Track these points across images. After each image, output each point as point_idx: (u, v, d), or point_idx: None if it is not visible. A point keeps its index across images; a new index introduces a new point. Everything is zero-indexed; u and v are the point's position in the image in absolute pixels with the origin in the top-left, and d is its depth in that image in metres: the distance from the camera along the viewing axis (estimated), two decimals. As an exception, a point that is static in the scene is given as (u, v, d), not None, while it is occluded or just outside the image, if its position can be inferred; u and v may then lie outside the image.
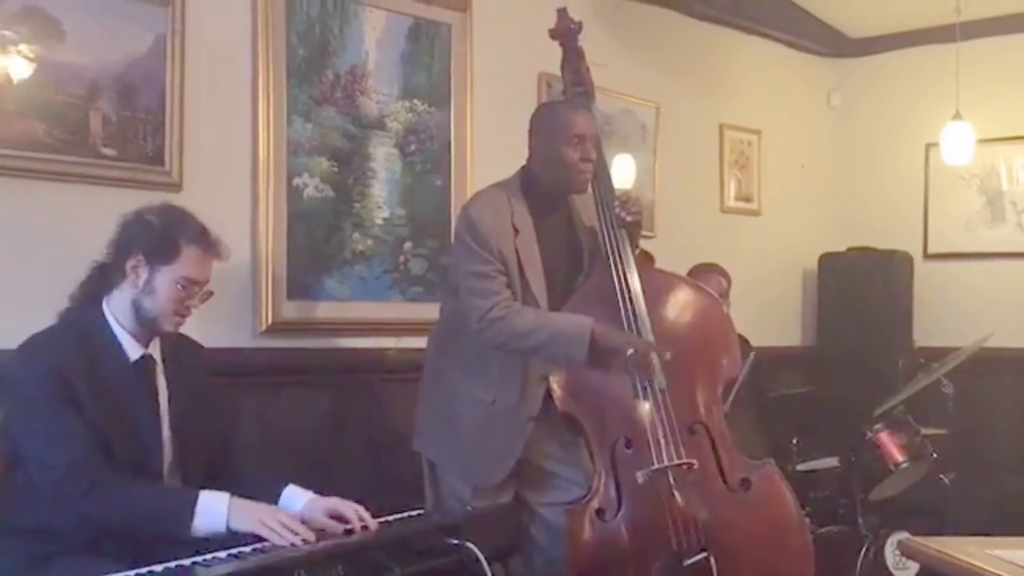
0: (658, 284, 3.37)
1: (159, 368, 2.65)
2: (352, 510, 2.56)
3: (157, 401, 2.62)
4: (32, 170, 3.13)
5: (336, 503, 2.60)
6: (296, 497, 2.65)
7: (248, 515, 2.41)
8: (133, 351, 2.59)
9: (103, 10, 3.25)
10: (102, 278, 2.62)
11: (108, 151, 3.28)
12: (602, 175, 3.37)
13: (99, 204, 3.26)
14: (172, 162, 3.42)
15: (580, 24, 3.50)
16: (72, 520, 2.38)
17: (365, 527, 2.54)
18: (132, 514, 2.39)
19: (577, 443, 3.35)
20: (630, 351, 3.16)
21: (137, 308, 2.55)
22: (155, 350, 2.64)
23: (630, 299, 3.24)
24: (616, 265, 3.26)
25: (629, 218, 3.30)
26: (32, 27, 3.12)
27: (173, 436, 2.64)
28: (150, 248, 2.54)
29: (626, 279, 3.26)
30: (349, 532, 2.52)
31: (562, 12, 3.52)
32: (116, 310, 2.58)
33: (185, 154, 3.45)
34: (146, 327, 2.58)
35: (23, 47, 3.11)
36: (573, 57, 3.49)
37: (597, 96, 3.58)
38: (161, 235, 2.54)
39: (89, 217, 3.24)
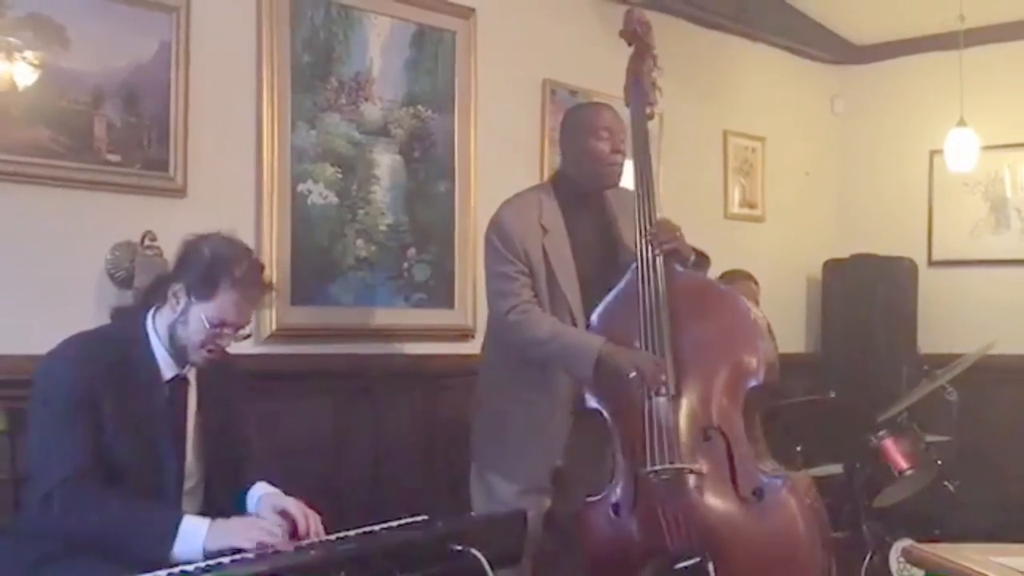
0: (686, 287, 3.32)
1: (191, 390, 2.63)
2: (303, 515, 2.51)
3: (184, 424, 2.60)
4: (37, 176, 3.14)
5: (289, 504, 2.54)
6: (254, 493, 2.62)
7: (224, 533, 2.38)
8: (168, 370, 2.57)
9: (108, 17, 3.26)
10: (156, 291, 2.61)
11: (113, 157, 3.29)
12: (647, 179, 3.33)
13: (103, 210, 3.28)
14: (176, 168, 3.42)
15: (648, 24, 3.47)
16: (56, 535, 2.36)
17: (304, 536, 2.48)
18: (113, 536, 2.35)
19: (605, 452, 3.38)
20: (632, 374, 3.14)
21: (171, 334, 2.54)
22: (190, 372, 2.62)
23: (652, 310, 3.21)
24: (644, 272, 3.24)
25: (667, 246, 3.26)
26: (37, 33, 3.13)
27: (198, 460, 2.62)
28: (192, 280, 2.51)
29: (652, 287, 3.23)
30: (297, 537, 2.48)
31: (629, 12, 3.51)
32: (159, 327, 2.57)
33: (189, 160, 3.46)
34: (177, 354, 2.56)
35: (28, 53, 3.12)
36: (635, 58, 3.47)
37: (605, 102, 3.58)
38: (205, 270, 2.51)
39: (94, 223, 3.26)
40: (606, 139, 3.27)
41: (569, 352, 3.20)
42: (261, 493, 2.62)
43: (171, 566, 2.29)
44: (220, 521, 2.42)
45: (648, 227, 3.27)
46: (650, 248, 3.26)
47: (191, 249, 2.56)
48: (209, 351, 2.55)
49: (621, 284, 3.32)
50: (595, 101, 3.49)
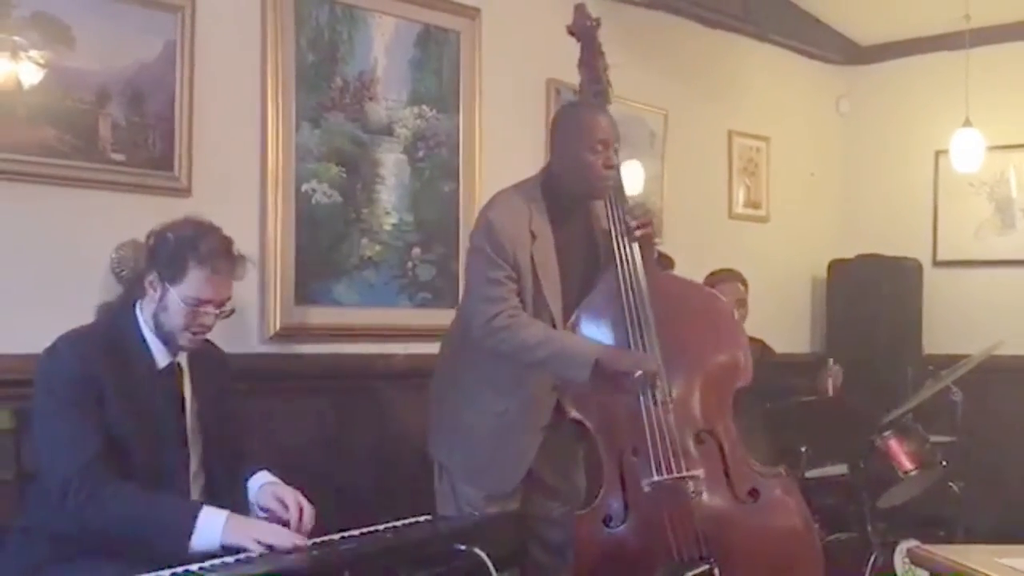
0: (668, 290, 3.33)
1: (186, 377, 2.68)
2: (296, 506, 2.56)
3: (183, 409, 2.65)
4: (42, 175, 3.14)
5: (282, 491, 2.61)
6: (255, 483, 2.68)
7: (242, 531, 2.41)
8: (162, 358, 2.62)
9: (113, 16, 3.26)
10: (136, 287, 2.67)
11: (117, 156, 3.29)
12: (616, 179, 3.32)
13: (108, 209, 3.28)
14: (181, 167, 3.43)
15: (598, 21, 3.45)
16: (76, 525, 2.39)
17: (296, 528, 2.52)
18: (131, 526, 2.39)
19: (576, 454, 3.36)
20: (638, 373, 3.11)
21: (156, 322, 2.59)
22: (183, 359, 2.68)
23: (636, 309, 3.20)
24: (624, 271, 3.22)
25: (638, 232, 3.25)
26: (42, 33, 3.13)
27: (195, 446, 2.66)
28: (162, 266, 2.57)
29: (634, 287, 3.21)
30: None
31: (580, 8, 3.47)
32: (146, 317, 2.62)
33: (194, 159, 3.46)
34: (166, 340, 2.61)
35: (33, 53, 3.12)
36: (590, 55, 3.44)
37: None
38: (172, 254, 2.57)
39: (98, 222, 3.26)
40: (600, 152, 3.15)
41: (563, 357, 3.11)
42: (263, 482, 2.67)
43: (182, 561, 2.29)
44: (240, 518, 2.46)
45: (619, 223, 3.25)
46: (625, 238, 3.23)
47: (158, 238, 2.62)
48: (194, 333, 2.60)
49: (600, 284, 3.28)
50: (592, 105, 3.41)
